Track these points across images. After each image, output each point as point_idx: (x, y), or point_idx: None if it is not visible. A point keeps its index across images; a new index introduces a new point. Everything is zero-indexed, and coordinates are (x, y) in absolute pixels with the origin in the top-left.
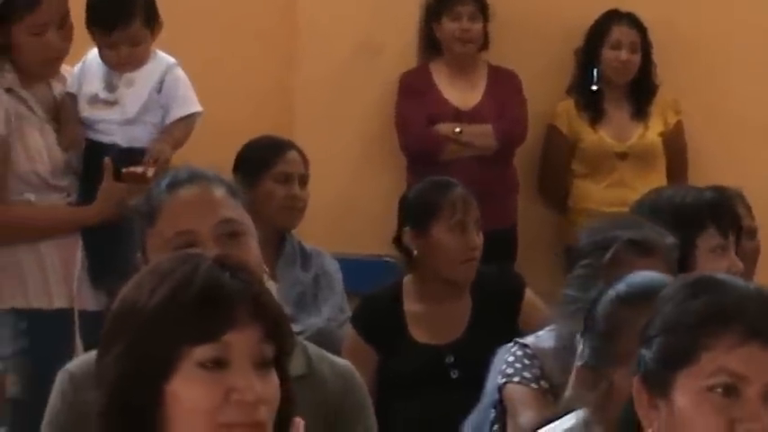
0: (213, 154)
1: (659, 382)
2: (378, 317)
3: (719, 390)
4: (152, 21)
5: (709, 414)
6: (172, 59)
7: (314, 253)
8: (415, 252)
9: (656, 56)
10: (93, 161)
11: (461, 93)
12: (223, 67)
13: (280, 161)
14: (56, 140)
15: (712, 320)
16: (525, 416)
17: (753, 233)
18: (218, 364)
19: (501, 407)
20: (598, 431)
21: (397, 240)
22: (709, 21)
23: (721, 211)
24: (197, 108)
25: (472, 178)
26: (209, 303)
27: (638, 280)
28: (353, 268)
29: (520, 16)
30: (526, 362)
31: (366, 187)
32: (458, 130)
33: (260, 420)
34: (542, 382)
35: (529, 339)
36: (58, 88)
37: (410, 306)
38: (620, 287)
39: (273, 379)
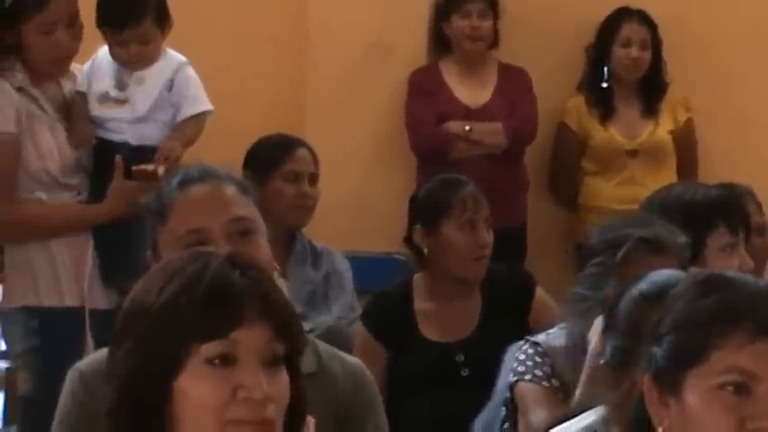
0: (225, 154)
1: (670, 380)
2: (388, 315)
3: (730, 388)
4: (163, 19)
5: (720, 413)
6: (183, 58)
7: (324, 251)
8: (426, 250)
9: (667, 53)
10: (104, 159)
11: (471, 91)
12: (235, 68)
13: (289, 159)
14: (66, 139)
15: (722, 319)
16: (537, 414)
17: (762, 230)
18: (226, 361)
19: (512, 405)
20: (616, 430)
21: (408, 239)
22: (719, 18)
23: (731, 209)
24: (208, 107)
25: (482, 176)
26: (218, 300)
27: (660, 278)
28: (364, 266)
29: (530, 13)
30: (537, 360)
31: (377, 186)
32: (468, 128)
33: (267, 418)
34: (553, 380)
35: (540, 337)
36: (68, 86)
37: (420, 304)
38: (643, 286)
39: (283, 377)
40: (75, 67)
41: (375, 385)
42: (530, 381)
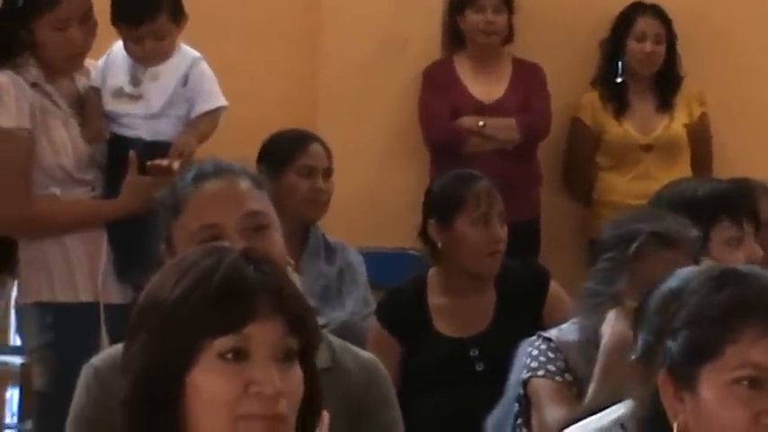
0: (239, 149)
1: (685, 375)
2: (402, 310)
3: (745, 383)
4: (177, 15)
5: (735, 407)
6: (197, 53)
7: (338, 246)
8: (440, 245)
9: (681, 47)
10: (118, 155)
11: (485, 86)
12: (248, 63)
13: (303, 154)
14: (80, 134)
15: (736, 313)
16: (551, 410)
17: None
18: (238, 355)
19: (525, 401)
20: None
21: (423, 233)
22: (734, 12)
23: (734, 202)
24: (222, 102)
25: (495, 171)
26: (231, 295)
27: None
28: (378, 261)
29: (544, 8)
30: (550, 355)
31: (390, 181)
32: (481, 123)
33: (279, 413)
34: (567, 375)
35: (552, 333)
36: (81, 82)
37: (435, 299)
38: (673, 282)
39: (296, 372)
40: (89, 62)
41: (389, 380)
42: (543, 376)
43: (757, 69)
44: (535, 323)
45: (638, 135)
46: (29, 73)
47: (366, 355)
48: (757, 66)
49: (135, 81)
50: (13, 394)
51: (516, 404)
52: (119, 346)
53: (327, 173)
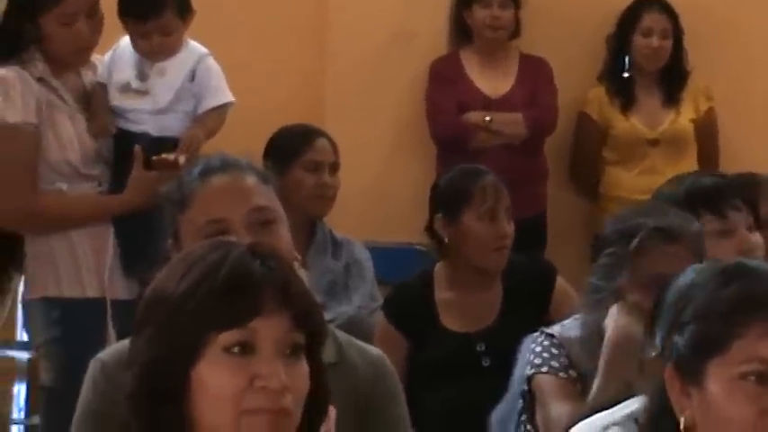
0: (246, 144)
1: (691, 369)
2: (409, 305)
3: (752, 378)
4: (184, 10)
5: (742, 402)
6: (204, 49)
7: (345, 241)
8: (446, 240)
9: (688, 42)
10: (124, 150)
11: (492, 81)
12: (255, 58)
13: (309, 149)
14: (86, 129)
15: (742, 308)
16: (556, 406)
17: None
18: (244, 350)
19: (529, 397)
20: None
21: (429, 228)
22: (740, 6)
23: (713, 195)
24: (229, 98)
25: (502, 166)
26: (236, 289)
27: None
28: (384, 256)
29: (551, 3)
30: (554, 351)
31: (397, 176)
32: (488, 118)
33: (285, 408)
34: (571, 371)
35: (555, 329)
36: (88, 76)
37: (441, 294)
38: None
39: (302, 367)
40: (95, 57)
41: (396, 375)
42: (547, 373)
43: (764, 64)
44: (541, 318)
45: (644, 129)
46: (35, 68)
47: (373, 350)
48: (764, 60)
49: (142, 76)
50: (20, 389)
51: (520, 400)
52: (125, 342)
53: (334, 168)
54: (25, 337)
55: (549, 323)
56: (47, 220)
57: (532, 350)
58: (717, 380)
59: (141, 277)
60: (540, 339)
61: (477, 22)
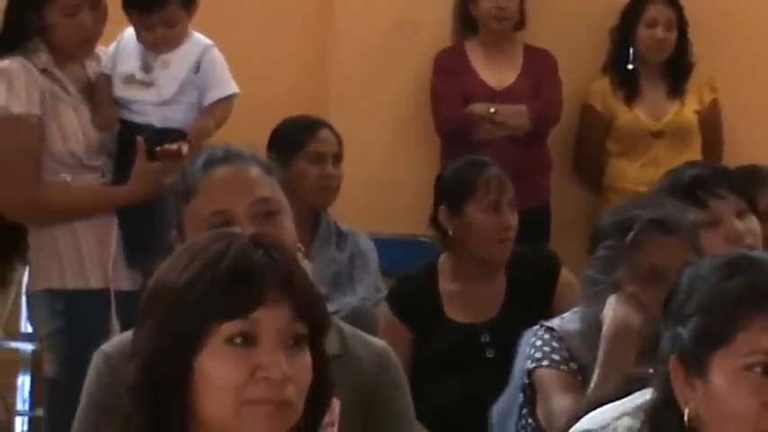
0: (249, 135)
1: (696, 361)
2: (413, 296)
3: (757, 369)
4: (188, 2)
5: (746, 394)
6: (208, 41)
7: (349, 233)
8: (451, 231)
9: (692, 33)
10: (128, 141)
11: (496, 73)
12: (259, 50)
13: (312, 140)
14: (90, 120)
15: (747, 300)
16: (557, 399)
17: None
18: (246, 340)
19: (530, 390)
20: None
21: (433, 220)
22: None
23: (694, 185)
24: (234, 89)
25: (506, 158)
26: (239, 280)
27: None
28: (389, 248)
29: None
30: (554, 344)
31: (401, 167)
32: (492, 110)
33: (286, 399)
34: (571, 364)
35: (554, 322)
36: (92, 68)
37: (446, 285)
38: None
39: (304, 358)
40: (99, 48)
41: (400, 366)
42: (548, 366)
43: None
44: (545, 310)
45: (648, 121)
46: (39, 59)
47: (377, 341)
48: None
49: (146, 68)
50: (24, 381)
51: (521, 394)
52: (129, 333)
53: (337, 159)
54: (29, 329)
55: (554, 314)
56: (51, 211)
57: (532, 344)
58: (721, 372)
59: (145, 268)
60: (540, 333)
61: (482, 13)
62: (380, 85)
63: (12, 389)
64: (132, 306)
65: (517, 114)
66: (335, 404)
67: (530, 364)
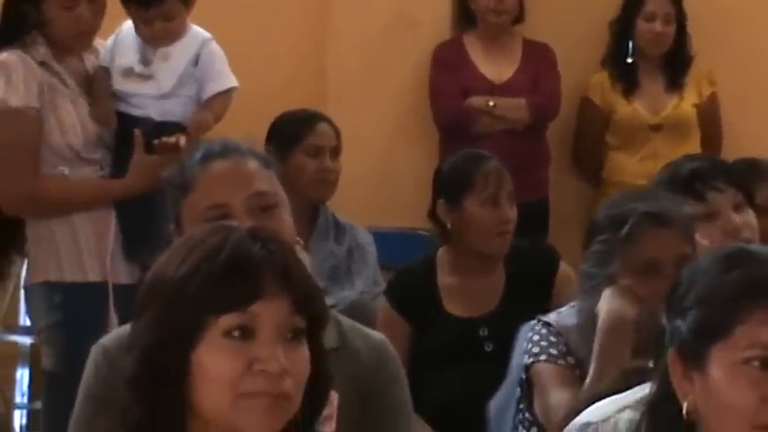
0: (248, 129)
1: (694, 354)
2: (412, 290)
3: (756, 363)
4: None
5: (744, 388)
6: (207, 34)
7: (348, 226)
8: (449, 225)
9: (691, 26)
10: (126, 134)
11: (495, 66)
12: (257, 42)
13: (310, 134)
14: (88, 113)
15: (745, 294)
16: (555, 393)
17: None
18: (244, 333)
19: (527, 385)
20: None
21: (432, 213)
22: None
23: (692, 178)
24: (233, 82)
25: (505, 151)
26: (236, 273)
27: None
28: (387, 241)
29: None
30: (552, 339)
31: (400, 161)
32: (491, 103)
33: (284, 392)
34: (569, 359)
35: (551, 317)
36: (90, 61)
37: (444, 279)
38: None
39: (302, 352)
40: (97, 42)
41: (398, 360)
42: (545, 361)
43: (767, 49)
44: (544, 304)
45: (647, 114)
46: (37, 52)
47: (375, 334)
48: (767, 45)
49: (145, 61)
50: (22, 374)
51: (518, 389)
52: (127, 326)
53: (335, 152)
54: (28, 322)
55: (552, 308)
56: (49, 204)
57: (530, 339)
58: (719, 365)
59: (143, 262)
60: (537, 328)
61: (480, 7)
62: (379, 79)
63: (10, 382)
64: (130, 299)
65: (516, 108)
66: (334, 397)
67: (527, 359)
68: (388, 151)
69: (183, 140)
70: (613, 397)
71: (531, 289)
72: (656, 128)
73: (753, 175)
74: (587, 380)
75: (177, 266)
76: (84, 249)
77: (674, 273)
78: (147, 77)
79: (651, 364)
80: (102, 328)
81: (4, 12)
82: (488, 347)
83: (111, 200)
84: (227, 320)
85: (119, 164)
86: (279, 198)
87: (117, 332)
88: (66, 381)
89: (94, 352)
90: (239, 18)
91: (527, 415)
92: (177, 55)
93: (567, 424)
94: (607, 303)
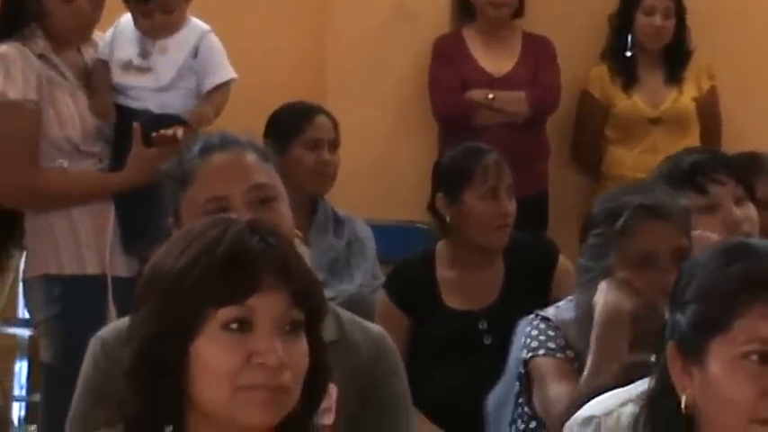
0: (246, 122)
1: (693, 348)
2: (410, 283)
3: (755, 357)
4: None
5: (743, 382)
6: (206, 26)
7: (347, 219)
8: (448, 218)
9: (691, 20)
10: (125, 127)
11: (495, 59)
12: (257, 35)
13: (309, 127)
14: (87, 106)
15: (745, 288)
16: (554, 386)
17: None
18: (242, 326)
19: (526, 379)
20: None
21: (431, 206)
22: None
23: (694, 170)
24: (232, 75)
25: (504, 145)
26: (235, 266)
27: None
28: (386, 234)
29: None
30: (550, 333)
31: (399, 154)
32: (490, 96)
33: (282, 385)
34: (568, 352)
35: (549, 312)
36: (89, 54)
37: (443, 272)
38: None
39: (301, 345)
40: (96, 34)
41: (397, 353)
42: (544, 355)
43: (766, 43)
44: (543, 297)
45: (646, 108)
46: (36, 44)
47: (374, 327)
48: (766, 39)
49: (144, 54)
50: (21, 367)
51: (517, 383)
52: (126, 319)
53: (334, 145)
54: (26, 315)
55: (551, 302)
56: (47, 197)
57: (528, 334)
58: (718, 359)
59: (141, 254)
60: (535, 323)
61: (479, 0)
62: (379, 72)
63: (9, 374)
64: (129, 292)
65: (515, 101)
66: (333, 390)
67: (525, 354)
68: (388, 144)
69: (180, 132)
70: (616, 391)
71: (530, 282)
72: (656, 121)
73: (753, 168)
74: (585, 372)
75: (176, 259)
76: (83, 242)
77: (670, 265)
78: (145, 70)
79: (653, 358)
80: (101, 321)
81: (4, 4)
82: (487, 341)
83: (110, 193)
84: (226, 313)
85: (118, 157)
86: (278, 191)
87: (115, 325)
88: (65, 373)
89: (93, 344)
90: (239, 11)
91: (526, 409)
92: (176, 47)
93: (567, 417)
94: (603, 296)
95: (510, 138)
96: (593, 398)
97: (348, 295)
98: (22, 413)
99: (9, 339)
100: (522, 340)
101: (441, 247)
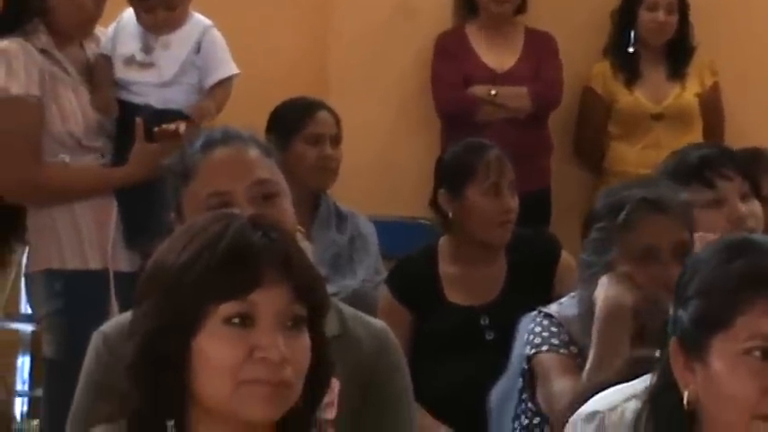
0: (249, 117)
1: (695, 344)
2: (413, 278)
3: (757, 353)
4: None
5: (745, 378)
6: (208, 21)
7: (349, 215)
8: (451, 214)
9: (693, 16)
10: (127, 122)
11: (497, 55)
12: (259, 31)
13: (310, 122)
14: (89, 101)
15: (747, 284)
16: (558, 382)
17: None
18: (244, 321)
19: (529, 375)
20: None
21: (433, 202)
22: None
23: (702, 164)
24: (234, 70)
25: (507, 141)
26: (237, 261)
27: None
28: (389, 230)
29: None
30: (553, 329)
31: (402, 150)
32: (493, 92)
33: (284, 380)
34: (572, 348)
35: (552, 308)
36: (91, 49)
37: (445, 268)
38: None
39: (303, 340)
40: (98, 29)
41: (399, 348)
42: (547, 351)
43: None
44: (546, 293)
45: (648, 104)
46: (38, 39)
47: (377, 323)
48: None
49: (147, 49)
50: (24, 362)
51: (520, 379)
52: (128, 314)
53: (335, 140)
54: (29, 310)
55: (554, 298)
56: (50, 191)
57: (531, 330)
58: (720, 356)
59: (144, 249)
60: (538, 319)
61: None
62: (381, 68)
63: (11, 369)
64: (131, 287)
65: (518, 96)
66: (335, 384)
67: (529, 350)
68: (390, 140)
69: (182, 127)
70: (620, 386)
71: (532, 278)
72: (658, 117)
73: (757, 164)
74: (587, 367)
75: (178, 254)
76: (86, 237)
77: (671, 259)
78: (148, 65)
79: (657, 354)
80: (103, 316)
81: (6, 0)
82: (489, 336)
83: (112, 188)
84: (227, 308)
85: (120, 152)
86: (280, 187)
87: (117, 319)
88: (67, 368)
89: (95, 339)
90: (241, 8)
91: (529, 405)
92: (178, 43)
93: (571, 412)
94: (604, 290)
95: (512, 134)
96: (596, 393)
97: (351, 291)
98: (25, 408)
99: (11, 334)
100: (526, 337)
101: (443, 242)
